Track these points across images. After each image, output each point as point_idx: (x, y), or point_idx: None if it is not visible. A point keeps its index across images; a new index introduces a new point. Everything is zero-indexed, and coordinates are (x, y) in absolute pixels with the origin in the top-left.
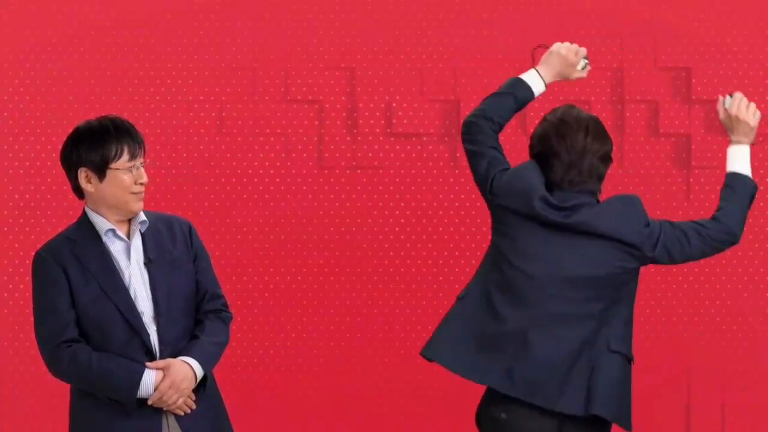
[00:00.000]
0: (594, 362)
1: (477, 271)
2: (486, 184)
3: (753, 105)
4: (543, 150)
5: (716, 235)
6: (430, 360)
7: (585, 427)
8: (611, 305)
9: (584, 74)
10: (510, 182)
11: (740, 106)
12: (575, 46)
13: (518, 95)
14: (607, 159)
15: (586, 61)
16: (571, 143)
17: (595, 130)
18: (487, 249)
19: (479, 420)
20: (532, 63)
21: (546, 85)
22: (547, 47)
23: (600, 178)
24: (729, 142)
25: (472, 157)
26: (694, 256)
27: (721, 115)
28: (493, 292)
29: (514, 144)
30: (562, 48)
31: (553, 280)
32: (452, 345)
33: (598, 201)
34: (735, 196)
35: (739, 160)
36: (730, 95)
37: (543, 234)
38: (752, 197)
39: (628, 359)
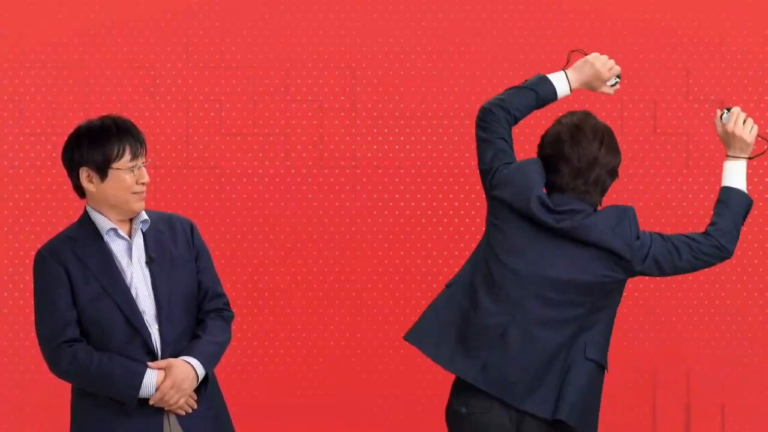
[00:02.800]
0: (568, 367)
1: (467, 261)
2: (488, 174)
3: (750, 120)
4: (553, 153)
5: (708, 250)
6: (412, 345)
7: (545, 427)
8: (593, 312)
9: (611, 91)
10: (511, 176)
11: (737, 122)
12: (611, 62)
13: (541, 93)
14: (614, 173)
15: (618, 79)
16: (583, 151)
17: (609, 142)
18: (479, 240)
19: (446, 414)
20: (566, 65)
21: (571, 90)
22: (584, 53)
23: (604, 191)
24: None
25: (481, 144)
26: (684, 269)
27: (719, 129)
28: (479, 284)
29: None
30: (598, 60)
31: (538, 280)
32: (435, 333)
33: (595, 211)
34: (728, 212)
35: (735, 175)
36: (728, 109)
37: (534, 233)
38: (746, 213)
39: (602, 368)
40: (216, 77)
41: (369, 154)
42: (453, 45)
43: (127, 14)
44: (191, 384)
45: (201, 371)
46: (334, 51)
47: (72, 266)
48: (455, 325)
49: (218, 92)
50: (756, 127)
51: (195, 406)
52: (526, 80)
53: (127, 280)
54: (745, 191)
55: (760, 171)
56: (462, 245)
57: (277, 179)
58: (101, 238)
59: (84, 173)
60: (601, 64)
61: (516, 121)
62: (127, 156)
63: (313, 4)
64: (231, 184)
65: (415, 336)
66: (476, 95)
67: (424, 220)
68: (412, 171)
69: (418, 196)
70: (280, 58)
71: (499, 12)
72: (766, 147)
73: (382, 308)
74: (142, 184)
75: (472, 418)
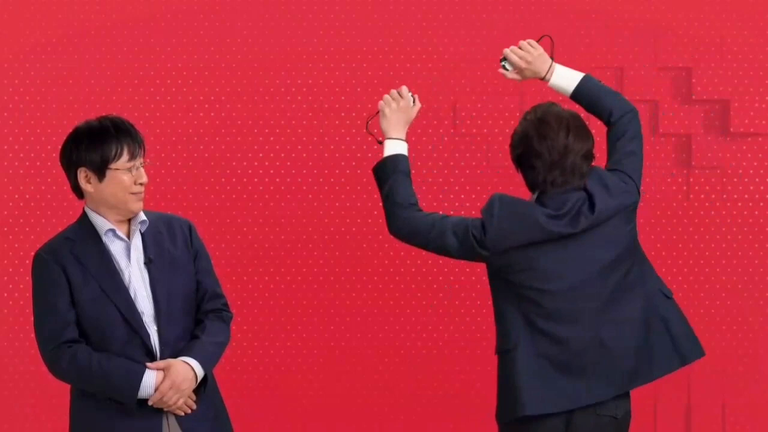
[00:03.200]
0: (662, 317)
1: (503, 324)
2: (473, 248)
3: (522, 42)
4: (524, 150)
5: (633, 126)
6: (538, 415)
7: (591, 415)
8: (637, 264)
9: (419, 105)
10: (501, 225)
11: (520, 54)
12: (394, 92)
13: (404, 168)
14: (589, 157)
15: (412, 95)
16: (552, 143)
17: (576, 128)
18: (496, 302)
19: (499, 422)
20: (373, 136)
21: (405, 140)
22: (375, 114)
23: (582, 176)
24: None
25: (433, 245)
26: (641, 151)
27: (511, 76)
28: (541, 324)
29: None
30: (386, 106)
31: (588, 280)
32: (544, 390)
33: (585, 189)
34: (602, 92)
35: (568, 77)
36: (503, 59)
37: (557, 248)
38: (601, 81)
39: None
40: (216, 77)
41: (370, 155)
42: (453, 45)
43: (127, 14)
44: (190, 384)
45: (200, 372)
46: (334, 51)
47: (71, 267)
48: (548, 371)
49: (218, 92)
50: (531, 41)
51: (194, 407)
52: (379, 176)
53: (126, 281)
54: (583, 74)
55: (761, 171)
56: None
57: (277, 179)
58: (100, 238)
59: (82, 174)
60: (391, 102)
61: (417, 203)
62: (125, 156)
63: (313, 4)
64: (231, 184)
65: (534, 407)
66: (476, 95)
67: None
68: (412, 171)
69: (418, 196)
70: (280, 58)
71: (499, 12)
72: (547, 37)
73: (382, 308)
74: (141, 184)
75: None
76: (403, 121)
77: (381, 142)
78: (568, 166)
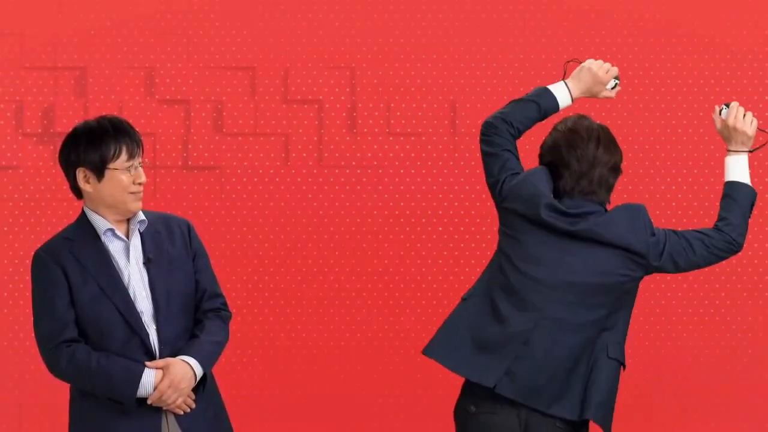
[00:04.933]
0: (592, 368)
1: (482, 273)
2: (496, 187)
3: (750, 114)
4: (553, 160)
5: (720, 245)
6: (431, 358)
7: (552, 426)
8: (613, 312)
9: (613, 94)
10: (519, 187)
11: (737, 116)
12: (608, 64)
13: (542, 105)
14: (616, 170)
15: (617, 80)
16: (581, 154)
17: (606, 140)
18: (493, 253)
19: (454, 412)
20: (564, 76)
21: (573, 100)
22: (579, 62)
23: (609, 188)
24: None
25: (487, 158)
26: (699, 264)
27: (718, 125)
28: (498, 295)
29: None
30: (593, 65)
31: (558, 286)
32: (454, 345)
33: (606, 210)
34: (736, 206)
35: (738, 168)
36: (726, 105)
37: (550, 239)
38: (752, 205)
39: (622, 365)
40: (216, 77)
41: (369, 154)
42: (453, 45)
43: (127, 14)
44: (189, 383)
45: (199, 371)
46: (334, 51)
47: (70, 267)
48: (474, 336)
49: (218, 92)
50: (756, 120)
51: (193, 406)
52: (527, 94)
53: (125, 281)
54: (750, 184)
55: (761, 171)
56: (462, 245)
57: (277, 179)
58: (99, 238)
59: (81, 174)
60: (598, 67)
61: (519, 133)
62: (124, 156)
63: (313, 4)
64: (231, 184)
65: (433, 350)
66: (476, 95)
67: (424, 220)
68: (412, 171)
69: (418, 196)
70: (279, 58)
71: (499, 12)
72: (766, 140)
73: (382, 308)
74: (139, 184)
75: (481, 418)
76: (588, 86)
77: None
78: (596, 178)
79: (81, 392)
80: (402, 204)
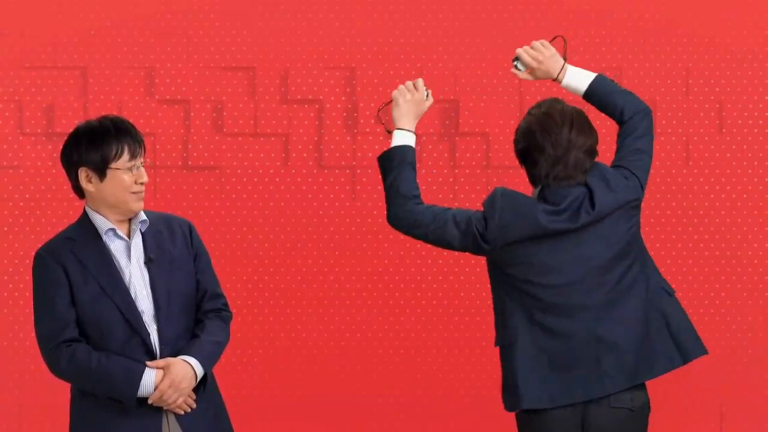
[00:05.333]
0: (663, 314)
1: (503, 317)
2: (475, 241)
3: (535, 43)
4: (527, 145)
5: (643, 123)
6: (536, 411)
7: (607, 408)
8: (640, 258)
9: (431, 101)
10: (502, 220)
11: (533, 56)
12: (409, 83)
13: (411, 160)
14: (592, 152)
15: (426, 89)
16: (555, 138)
17: (580, 123)
18: (495, 296)
19: (516, 414)
20: (383, 125)
21: (413, 130)
22: (389, 103)
23: (585, 171)
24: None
25: (434, 237)
26: (650, 150)
27: (526, 76)
28: (539, 317)
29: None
30: (400, 96)
31: (587, 276)
32: (542, 384)
33: (587, 186)
34: (613, 96)
35: (578, 78)
36: (515, 59)
37: (557, 244)
38: (612, 80)
39: (673, 294)
40: (216, 77)
41: (369, 154)
42: (453, 45)
43: (127, 14)
44: (190, 383)
45: (200, 370)
46: (334, 51)
47: (71, 266)
48: (548, 365)
49: (218, 92)
50: (544, 41)
51: (194, 406)
52: (387, 164)
53: (126, 280)
54: (595, 74)
55: (761, 171)
56: None
57: (277, 179)
58: (100, 238)
59: (83, 173)
60: (406, 92)
61: (419, 195)
62: (126, 156)
63: (313, 4)
64: (231, 184)
65: (530, 401)
66: (476, 95)
67: None
68: None
69: None
70: (279, 59)
71: (499, 12)
72: (560, 38)
73: (382, 308)
74: (141, 183)
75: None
76: (414, 114)
77: (390, 132)
78: (571, 162)
79: (81, 392)
80: None
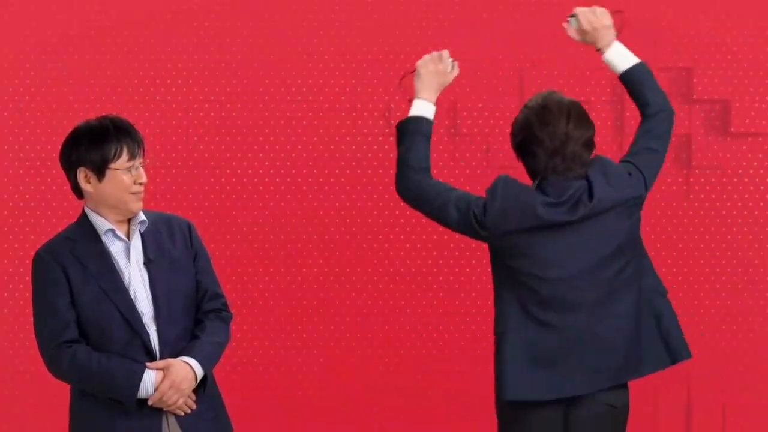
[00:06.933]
0: (654, 313)
1: (499, 306)
2: (472, 226)
3: (596, 8)
4: (525, 138)
5: (662, 125)
6: (520, 400)
7: (593, 404)
8: (637, 257)
9: (457, 72)
10: (502, 207)
11: (590, 19)
12: (435, 53)
13: (425, 131)
14: (590, 145)
15: (452, 61)
16: (553, 130)
17: (577, 115)
18: (495, 285)
19: (497, 405)
20: (403, 93)
21: (435, 103)
22: (411, 72)
23: (583, 164)
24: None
25: (435, 214)
26: (664, 154)
27: (577, 37)
28: (534, 310)
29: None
30: (423, 66)
31: (584, 272)
32: (527, 376)
33: (587, 179)
34: (644, 87)
35: (620, 57)
36: (572, 16)
37: (556, 236)
38: (650, 72)
39: (665, 294)
40: (216, 77)
41: (369, 155)
42: (453, 45)
43: (127, 14)
44: (190, 384)
45: (200, 371)
46: (334, 51)
47: (71, 267)
48: (538, 358)
49: (218, 92)
50: (603, 9)
51: (194, 407)
52: (401, 132)
53: (126, 281)
54: (637, 60)
55: (761, 171)
56: (462, 245)
57: (277, 179)
58: (99, 239)
59: (82, 174)
60: (430, 62)
61: (429, 169)
62: (125, 156)
63: (313, 4)
64: (231, 184)
65: (513, 389)
66: (477, 94)
67: (424, 220)
68: None
69: None
70: (280, 58)
71: (499, 12)
72: (621, 14)
73: (382, 308)
74: (140, 184)
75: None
76: (437, 85)
77: (410, 101)
78: (569, 154)
79: (81, 393)
80: (402, 204)
